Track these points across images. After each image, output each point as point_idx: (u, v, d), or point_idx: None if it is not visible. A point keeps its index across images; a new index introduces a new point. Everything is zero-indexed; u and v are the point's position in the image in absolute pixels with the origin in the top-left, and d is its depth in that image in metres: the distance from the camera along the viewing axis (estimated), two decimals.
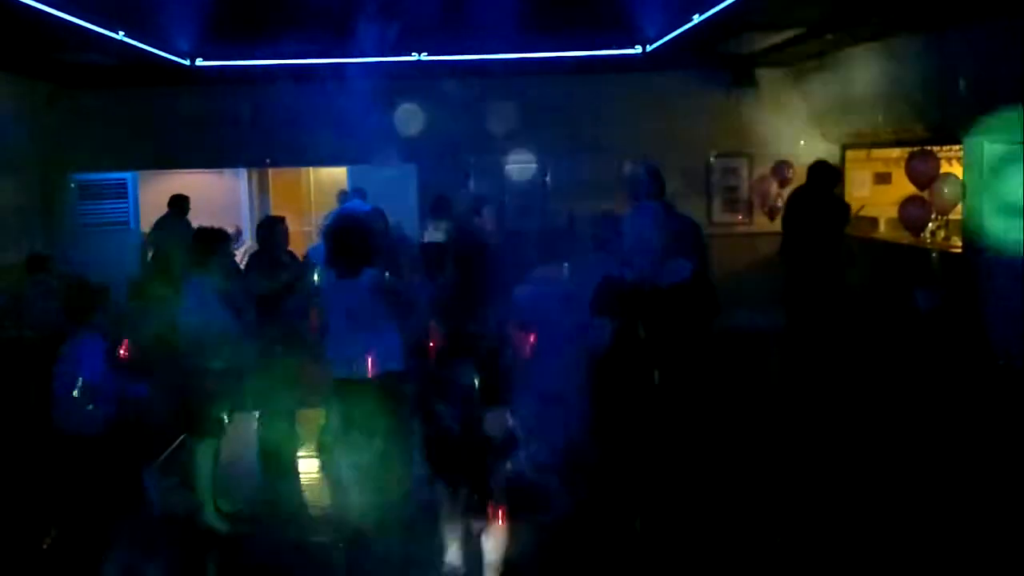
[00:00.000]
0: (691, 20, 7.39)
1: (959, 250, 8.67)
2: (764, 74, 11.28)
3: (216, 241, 6.10)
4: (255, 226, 13.35)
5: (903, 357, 6.32)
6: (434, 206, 9.07)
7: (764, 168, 11.36)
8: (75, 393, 4.91)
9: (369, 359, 5.48)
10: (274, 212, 13.14)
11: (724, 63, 10.81)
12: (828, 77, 10.66)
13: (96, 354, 5.02)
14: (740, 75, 11.12)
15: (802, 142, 11.09)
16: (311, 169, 14.65)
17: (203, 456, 5.94)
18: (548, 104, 10.80)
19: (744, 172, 11.73)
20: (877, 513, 5.62)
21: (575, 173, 11.00)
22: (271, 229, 7.05)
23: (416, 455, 5.39)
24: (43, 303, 8.04)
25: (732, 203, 11.82)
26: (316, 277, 6.29)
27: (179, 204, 10.94)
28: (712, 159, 11.68)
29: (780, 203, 10.64)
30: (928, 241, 9.50)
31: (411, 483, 5.58)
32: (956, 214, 9.13)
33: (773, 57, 10.35)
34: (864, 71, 9.73)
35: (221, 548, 5.75)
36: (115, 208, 11.79)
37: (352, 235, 5.68)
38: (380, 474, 5.54)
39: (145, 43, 7.90)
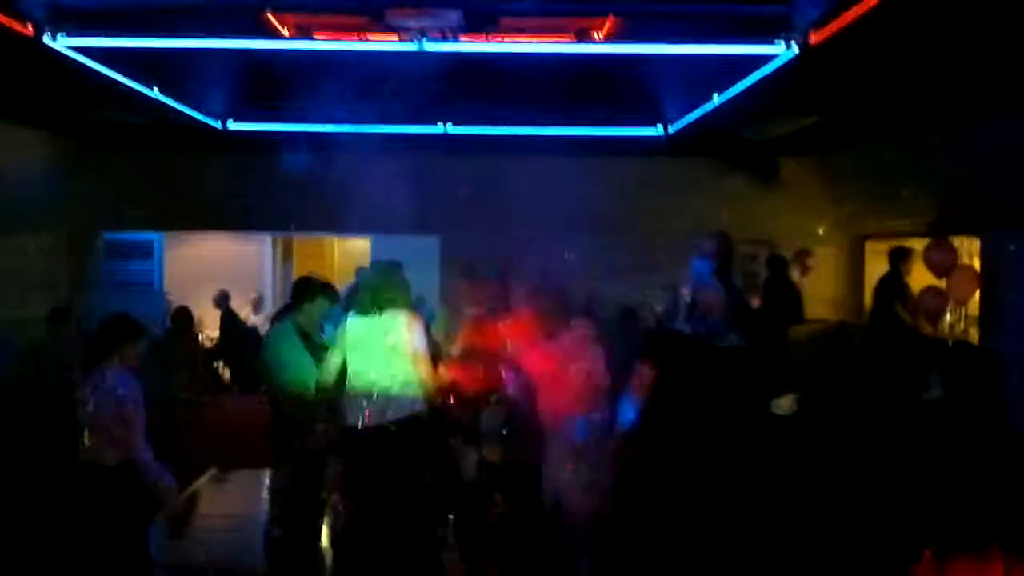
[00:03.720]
0: (711, 100, 7.52)
1: (976, 341, 8.64)
2: (785, 162, 11.37)
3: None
4: (277, 293, 13.60)
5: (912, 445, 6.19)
6: (464, 273, 9.17)
7: (785, 256, 11.37)
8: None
9: None
10: None
11: (745, 149, 10.92)
12: (848, 167, 10.75)
13: (127, 385, 5.07)
14: (761, 162, 11.23)
15: (820, 231, 11.13)
16: (336, 240, 14.82)
17: None
18: (572, 185, 10.86)
19: (764, 259, 11.74)
20: None
21: (596, 254, 11.04)
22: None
23: None
24: (62, 354, 8.13)
25: (753, 289, 11.79)
26: None
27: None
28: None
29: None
30: (946, 332, 9.44)
31: None
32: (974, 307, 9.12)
33: (794, 145, 10.46)
34: (884, 162, 9.81)
35: None
36: (140, 268, 11.96)
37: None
38: None
39: (178, 102, 8.11)
